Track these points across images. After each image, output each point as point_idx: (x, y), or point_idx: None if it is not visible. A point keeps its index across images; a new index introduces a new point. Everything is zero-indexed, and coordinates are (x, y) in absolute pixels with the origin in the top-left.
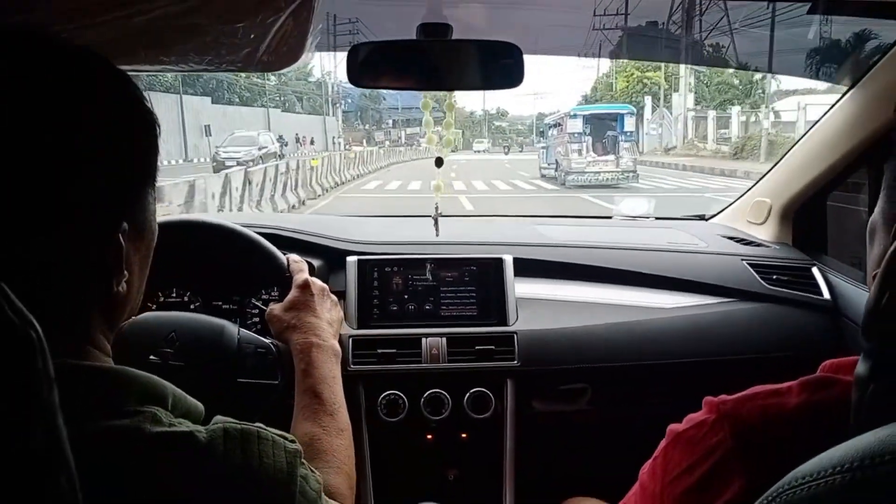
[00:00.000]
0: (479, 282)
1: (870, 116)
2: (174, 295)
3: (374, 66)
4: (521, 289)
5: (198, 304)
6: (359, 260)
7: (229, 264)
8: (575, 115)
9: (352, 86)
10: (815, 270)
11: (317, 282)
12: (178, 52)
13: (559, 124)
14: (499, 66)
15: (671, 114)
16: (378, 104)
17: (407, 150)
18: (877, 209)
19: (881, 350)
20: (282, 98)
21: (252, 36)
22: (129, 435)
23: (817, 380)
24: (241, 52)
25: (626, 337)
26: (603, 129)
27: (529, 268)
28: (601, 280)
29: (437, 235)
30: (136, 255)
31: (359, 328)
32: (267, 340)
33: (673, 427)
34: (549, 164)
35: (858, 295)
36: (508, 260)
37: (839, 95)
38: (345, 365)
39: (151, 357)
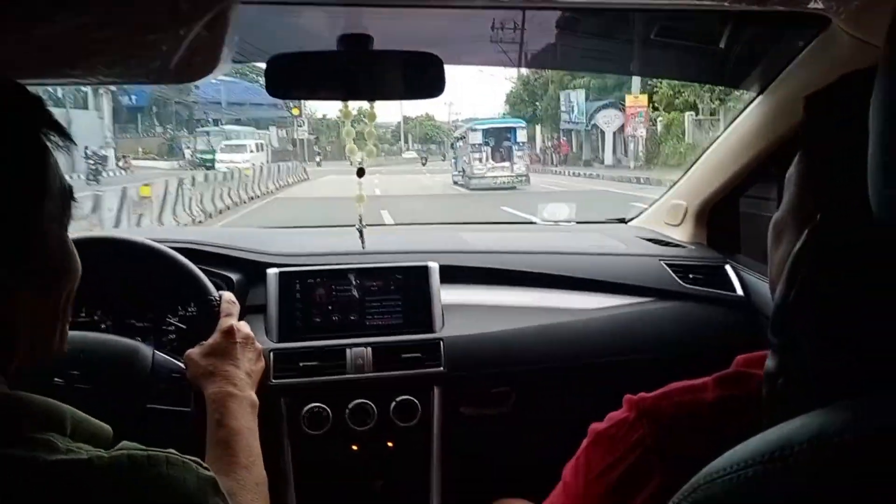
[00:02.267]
0: (405, 290)
1: (778, 121)
2: (83, 315)
3: (293, 76)
4: (447, 296)
5: (109, 323)
6: (280, 272)
7: (144, 282)
8: (475, 129)
9: None
10: (728, 268)
11: (243, 329)
12: (85, 66)
13: (464, 137)
14: (419, 76)
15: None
16: (186, 95)
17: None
18: (783, 207)
19: (789, 345)
20: None
21: (164, 48)
22: (23, 464)
23: (732, 375)
24: (153, 63)
25: (549, 339)
26: (500, 140)
27: (455, 275)
28: (526, 284)
29: (364, 248)
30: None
31: (280, 341)
32: (182, 364)
33: (594, 426)
34: (458, 172)
35: (769, 291)
36: (434, 267)
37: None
38: (266, 379)
39: (56, 379)
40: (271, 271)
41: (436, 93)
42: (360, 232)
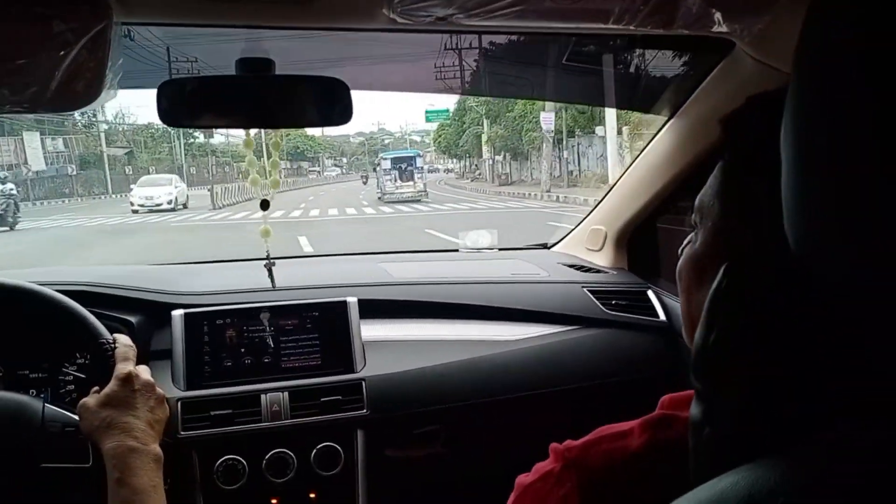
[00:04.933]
0: (323, 328)
1: (689, 145)
2: None
3: (188, 103)
4: (367, 332)
5: (0, 375)
6: (186, 314)
7: (35, 329)
8: (385, 158)
9: None
10: (650, 293)
11: (142, 375)
12: None
13: (379, 164)
14: (325, 102)
15: None
16: None
17: None
18: (703, 241)
19: (713, 392)
20: None
21: (38, 73)
22: None
23: (657, 418)
24: (27, 90)
25: (475, 373)
26: (404, 166)
27: (376, 309)
28: (448, 316)
29: (274, 287)
30: None
31: (189, 389)
32: (77, 416)
33: (521, 479)
34: (378, 190)
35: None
36: (353, 302)
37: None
38: (174, 431)
39: None
40: (176, 313)
41: (344, 120)
42: (269, 270)
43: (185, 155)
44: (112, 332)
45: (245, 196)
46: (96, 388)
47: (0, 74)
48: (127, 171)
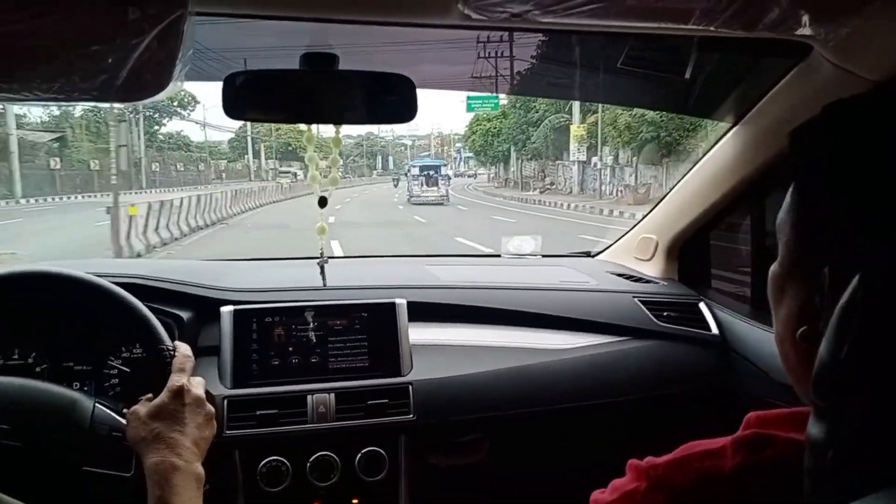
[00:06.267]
0: (371, 329)
1: (755, 152)
2: (16, 356)
3: (253, 96)
4: (414, 335)
5: (45, 366)
6: (235, 310)
7: (85, 321)
8: (415, 166)
9: None
10: (702, 306)
11: (194, 390)
12: (20, 79)
13: (409, 170)
14: (389, 98)
15: None
16: None
17: None
18: (782, 259)
19: (840, 410)
20: None
21: (110, 61)
22: None
23: (752, 438)
24: (98, 78)
25: (525, 381)
26: (431, 172)
27: (423, 312)
28: (496, 322)
29: (325, 285)
30: None
31: (235, 387)
32: (125, 421)
33: (598, 497)
34: (408, 193)
35: (745, 329)
36: (402, 304)
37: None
38: (220, 430)
39: None
40: (225, 309)
41: (407, 117)
42: (322, 267)
43: (149, 149)
44: (166, 329)
45: (209, 217)
46: (149, 395)
47: (73, 60)
48: (52, 164)
